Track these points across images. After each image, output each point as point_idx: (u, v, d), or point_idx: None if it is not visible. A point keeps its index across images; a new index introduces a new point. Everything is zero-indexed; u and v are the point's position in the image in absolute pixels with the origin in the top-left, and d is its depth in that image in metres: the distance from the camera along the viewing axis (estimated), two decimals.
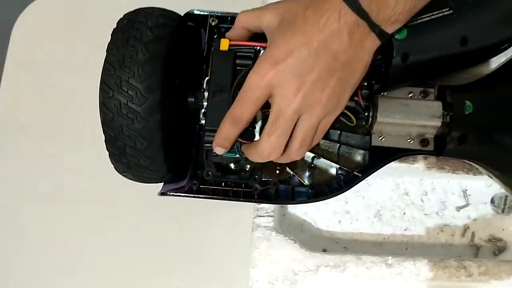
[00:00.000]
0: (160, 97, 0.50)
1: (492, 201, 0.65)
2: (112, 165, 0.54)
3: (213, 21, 0.59)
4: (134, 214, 0.69)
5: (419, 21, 0.48)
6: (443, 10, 0.49)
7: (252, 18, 0.51)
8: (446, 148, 0.55)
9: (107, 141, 0.51)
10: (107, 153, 0.52)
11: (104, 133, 0.51)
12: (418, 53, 0.49)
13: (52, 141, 0.73)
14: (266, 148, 0.47)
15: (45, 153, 0.72)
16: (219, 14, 0.59)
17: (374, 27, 0.43)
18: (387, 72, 0.50)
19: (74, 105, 0.74)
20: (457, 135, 0.54)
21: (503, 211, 0.64)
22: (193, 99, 0.55)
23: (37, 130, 0.74)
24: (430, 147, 0.56)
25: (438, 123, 0.54)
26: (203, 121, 0.55)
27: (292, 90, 0.44)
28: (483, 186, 0.65)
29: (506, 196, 0.64)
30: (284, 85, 0.44)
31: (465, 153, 0.55)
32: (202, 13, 0.59)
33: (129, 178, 0.55)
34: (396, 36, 0.48)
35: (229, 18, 0.59)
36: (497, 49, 0.55)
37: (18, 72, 0.77)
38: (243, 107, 0.47)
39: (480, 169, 0.57)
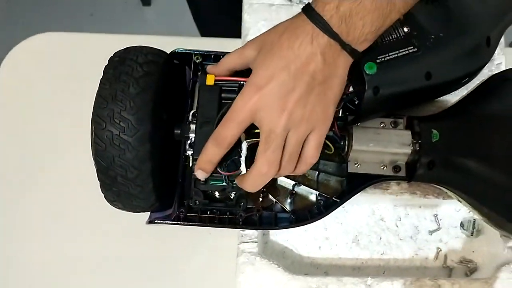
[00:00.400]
0: (150, 128, 0.53)
1: (462, 225, 0.69)
2: (103, 195, 0.56)
3: (197, 58, 0.63)
4: (120, 242, 0.70)
5: (387, 58, 0.53)
6: (409, 48, 0.54)
7: (235, 58, 0.56)
8: (417, 173, 0.59)
9: (99, 171, 0.53)
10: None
11: (96, 163, 0.53)
12: (388, 87, 0.54)
13: (41, 176, 0.74)
14: (263, 164, 0.50)
15: (33, 185, 0.73)
16: (203, 52, 0.63)
17: (345, 46, 0.48)
18: (360, 104, 0.55)
19: (61, 142, 0.76)
20: (426, 161, 0.58)
21: (472, 234, 0.68)
22: (179, 131, 0.59)
23: (26, 167, 0.75)
24: (402, 173, 0.60)
25: (408, 150, 0.59)
26: (189, 152, 0.59)
27: (278, 111, 0.48)
28: (453, 210, 0.69)
29: (474, 219, 0.68)
30: (270, 107, 0.48)
31: (434, 178, 0.59)
32: (186, 51, 0.63)
33: (118, 207, 0.58)
34: (368, 72, 0.52)
35: (212, 56, 0.63)
36: (459, 83, 0.60)
37: (6, 110, 0.78)
38: (227, 127, 0.50)
39: (449, 193, 0.61)
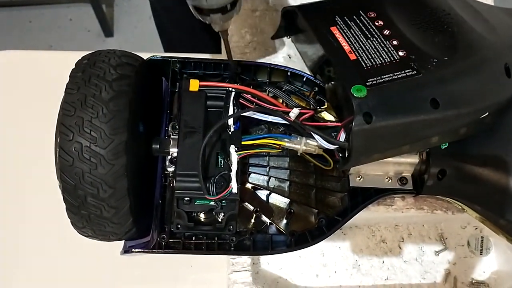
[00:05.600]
0: (126, 138, 0.45)
1: (468, 243, 0.63)
2: (70, 220, 0.47)
3: (176, 66, 0.57)
4: (96, 275, 0.61)
5: (380, 80, 0.46)
6: (406, 70, 0.47)
7: None
8: (426, 185, 0.53)
9: (65, 191, 0.45)
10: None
11: (61, 182, 0.45)
12: (384, 115, 0.45)
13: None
14: None
15: None
16: (182, 59, 0.57)
17: None
18: (348, 139, 0.46)
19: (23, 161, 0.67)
20: (436, 171, 0.52)
21: (481, 253, 0.62)
22: (158, 146, 0.51)
23: None
24: (409, 186, 0.55)
25: (415, 159, 0.53)
26: (169, 169, 0.51)
27: None
28: (458, 228, 0.63)
29: (482, 237, 0.63)
30: None
31: (445, 190, 0.54)
32: (164, 58, 0.57)
33: (89, 235, 0.49)
34: (356, 95, 0.45)
35: (192, 63, 0.57)
36: (478, 120, 0.49)
37: None
38: None
39: (461, 206, 0.56)
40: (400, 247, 0.62)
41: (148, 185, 0.53)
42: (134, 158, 0.47)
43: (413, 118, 0.46)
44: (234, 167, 0.49)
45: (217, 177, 0.49)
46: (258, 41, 0.64)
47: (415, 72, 0.47)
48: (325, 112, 0.57)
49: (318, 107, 0.56)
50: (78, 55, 0.50)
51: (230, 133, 0.51)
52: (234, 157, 0.49)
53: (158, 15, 0.96)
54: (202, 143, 0.48)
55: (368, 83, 0.46)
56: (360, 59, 0.49)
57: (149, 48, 1.12)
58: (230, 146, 0.50)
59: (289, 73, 0.58)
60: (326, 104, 0.57)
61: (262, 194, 0.55)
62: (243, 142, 0.51)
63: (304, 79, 0.58)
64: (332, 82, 0.52)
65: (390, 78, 0.47)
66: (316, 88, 0.57)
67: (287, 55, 0.64)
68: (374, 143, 0.47)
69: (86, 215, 0.46)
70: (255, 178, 0.55)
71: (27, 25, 1.90)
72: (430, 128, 0.48)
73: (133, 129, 0.47)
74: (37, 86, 0.71)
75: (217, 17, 0.46)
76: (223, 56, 0.65)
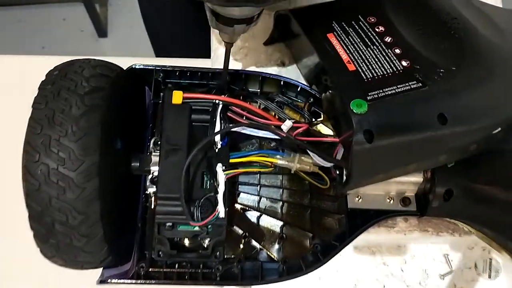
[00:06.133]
0: (99, 159, 0.40)
1: (476, 266, 0.59)
2: (38, 248, 0.43)
3: (159, 75, 0.52)
4: None
5: (382, 94, 0.41)
6: (410, 82, 0.42)
7: None
8: (431, 206, 0.49)
9: (31, 217, 0.41)
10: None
11: (27, 207, 0.40)
12: (386, 132, 0.41)
13: None
14: None
15: None
16: (166, 68, 0.52)
17: None
18: (348, 159, 0.42)
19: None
20: (442, 191, 0.48)
21: (489, 276, 0.58)
22: (138, 164, 0.47)
23: None
24: (412, 207, 0.50)
25: (419, 178, 0.49)
26: (150, 190, 0.47)
27: None
28: (465, 248, 0.59)
29: (490, 259, 0.58)
30: None
31: (452, 211, 0.49)
32: (146, 67, 0.52)
33: (60, 264, 0.44)
34: (355, 111, 0.40)
35: (177, 72, 0.52)
36: (491, 137, 0.45)
37: None
38: None
39: (469, 228, 0.51)
40: (402, 270, 0.58)
41: (129, 206, 0.49)
42: (109, 180, 0.43)
43: (419, 135, 0.41)
44: (221, 189, 0.44)
45: (202, 200, 0.45)
46: (249, 47, 0.59)
47: (420, 84, 0.43)
48: (321, 124, 0.53)
49: (313, 120, 0.52)
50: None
51: (216, 150, 0.46)
52: (221, 177, 0.45)
53: (148, 19, 0.93)
54: (185, 162, 0.44)
55: (369, 97, 0.42)
56: (360, 70, 0.44)
57: (145, 48, 1.08)
58: (216, 165, 0.45)
59: (282, 83, 0.53)
60: (322, 115, 0.53)
61: (253, 216, 0.50)
62: (231, 160, 0.47)
63: (299, 89, 0.53)
64: (329, 92, 0.48)
65: (393, 91, 0.42)
66: (312, 99, 0.53)
67: (281, 62, 0.59)
68: (376, 163, 0.42)
69: (55, 244, 0.41)
70: (245, 198, 0.51)
71: (18, 26, 1.86)
72: (437, 146, 0.43)
73: (108, 147, 0.43)
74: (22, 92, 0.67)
75: (241, 28, 0.42)
76: (212, 61, 0.61)
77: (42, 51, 1.85)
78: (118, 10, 1.89)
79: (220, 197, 0.44)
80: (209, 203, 0.44)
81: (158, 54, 1.04)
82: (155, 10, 0.88)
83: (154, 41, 1.01)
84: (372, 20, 0.48)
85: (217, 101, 0.47)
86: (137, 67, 0.52)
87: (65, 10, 1.88)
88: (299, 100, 0.54)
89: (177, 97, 0.47)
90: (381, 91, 0.42)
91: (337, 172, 0.47)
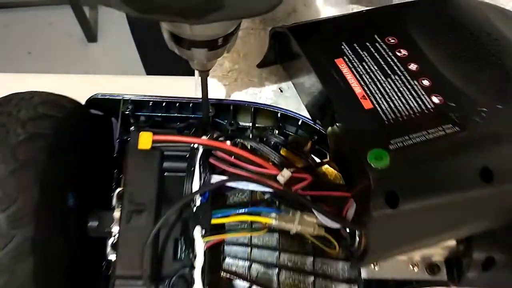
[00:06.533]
0: (34, 232, 0.31)
1: None
2: None
3: (127, 107, 0.42)
4: None
5: (409, 142, 0.32)
6: (445, 126, 0.33)
7: None
8: (466, 275, 0.39)
9: None
10: None
11: None
12: (415, 194, 0.32)
13: None
14: None
15: None
16: (135, 98, 0.42)
17: None
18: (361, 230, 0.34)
19: None
20: (481, 258, 0.38)
21: None
22: (97, 224, 0.37)
23: None
24: (442, 275, 0.40)
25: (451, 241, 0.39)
26: (111, 257, 0.37)
27: None
28: None
29: None
30: None
31: (492, 282, 0.39)
32: (111, 97, 0.42)
33: None
34: (374, 165, 0.31)
35: (151, 103, 0.42)
36: None
37: None
38: None
39: None
40: None
41: (89, 277, 0.39)
42: (53, 255, 0.33)
43: (456, 197, 0.32)
44: (199, 262, 0.35)
45: (174, 279, 0.35)
46: (240, 69, 0.49)
47: (457, 128, 0.33)
48: (327, 166, 0.43)
49: (318, 164, 0.42)
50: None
51: (194, 208, 0.37)
52: (200, 246, 0.35)
53: (137, 34, 0.86)
54: (152, 229, 0.34)
55: (391, 147, 0.32)
56: (379, 109, 0.34)
57: (137, 54, 1.01)
58: (194, 229, 0.35)
59: (279, 115, 0.44)
60: (328, 156, 0.43)
61: (242, 286, 0.40)
62: (213, 221, 0.37)
63: (300, 123, 0.44)
64: (338, 125, 0.38)
65: (422, 138, 0.33)
66: (316, 137, 0.43)
67: (278, 88, 0.49)
68: (401, 232, 0.33)
69: None
70: (232, 263, 0.41)
71: (4, 30, 1.78)
72: (479, 210, 0.34)
73: (53, 209, 0.33)
74: None
75: (201, 53, 0.32)
76: (196, 83, 0.51)
77: (28, 56, 1.78)
78: (108, 13, 1.81)
79: (197, 273, 0.34)
80: (183, 282, 0.35)
81: (149, 71, 0.98)
82: (143, 25, 0.81)
83: (144, 57, 0.95)
84: (392, 41, 0.39)
85: (195, 145, 0.37)
86: (99, 97, 0.42)
87: (52, 13, 1.80)
88: (300, 135, 0.44)
89: (145, 140, 0.37)
90: (407, 137, 0.33)
91: (348, 231, 0.38)
